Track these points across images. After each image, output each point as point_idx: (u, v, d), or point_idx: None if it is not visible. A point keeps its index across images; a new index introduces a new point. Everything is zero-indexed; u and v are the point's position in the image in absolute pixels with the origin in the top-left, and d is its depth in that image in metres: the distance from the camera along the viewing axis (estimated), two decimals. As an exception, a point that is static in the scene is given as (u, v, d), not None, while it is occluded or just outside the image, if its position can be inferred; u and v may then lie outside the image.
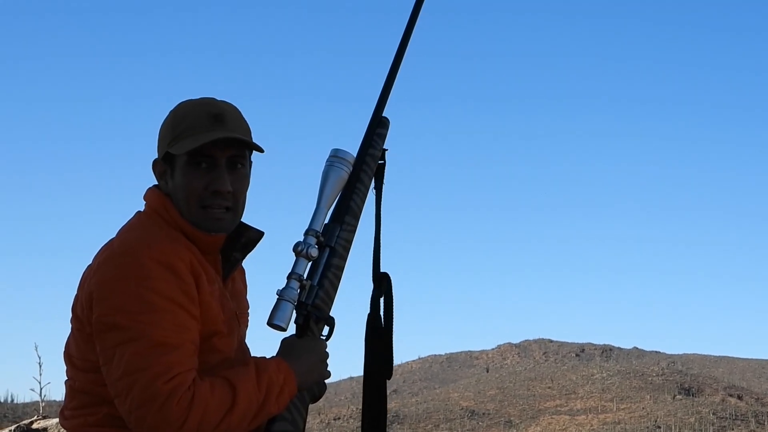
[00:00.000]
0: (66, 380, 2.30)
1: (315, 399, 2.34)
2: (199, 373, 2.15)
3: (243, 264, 2.46)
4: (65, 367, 2.31)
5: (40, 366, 16.55)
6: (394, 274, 2.50)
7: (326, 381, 2.40)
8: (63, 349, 2.31)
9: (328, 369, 2.36)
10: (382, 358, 2.50)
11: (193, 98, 2.35)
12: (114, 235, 2.29)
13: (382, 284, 2.50)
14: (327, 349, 2.36)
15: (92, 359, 2.19)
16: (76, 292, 2.26)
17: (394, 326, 2.50)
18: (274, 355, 2.32)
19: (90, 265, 2.27)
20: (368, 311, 2.51)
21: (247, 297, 2.50)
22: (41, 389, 16.45)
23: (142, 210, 2.33)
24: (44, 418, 12.45)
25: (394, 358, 2.54)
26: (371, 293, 2.51)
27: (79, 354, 2.24)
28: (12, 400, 24.17)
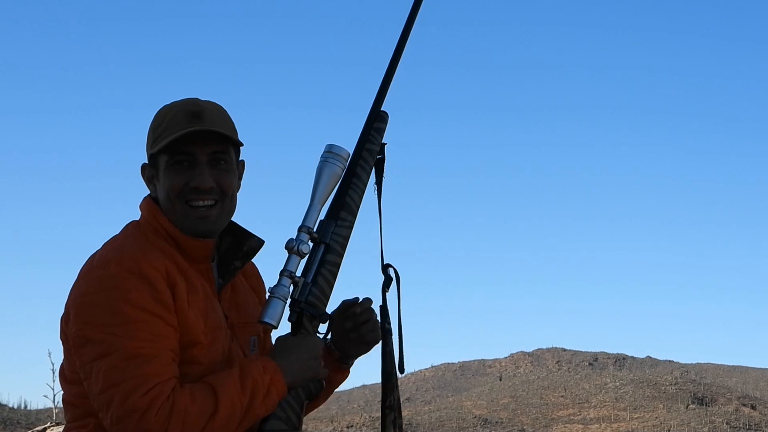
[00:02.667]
0: (62, 394, 2.29)
1: (311, 397, 2.29)
2: (180, 381, 2.12)
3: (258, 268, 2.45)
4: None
5: (54, 373, 16.60)
6: (406, 282, 2.45)
7: (332, 383, 2.38)
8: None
9: (324, 367, 2.30)
10: (392, 351, 2.43)
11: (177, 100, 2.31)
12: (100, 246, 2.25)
13: (386, 277, 2.44)
14: (322, 347, 2.30)
15: (77, 371, 2.17)
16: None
17: (402, 319, 2.43)
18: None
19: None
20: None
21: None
22: (54, 396, 16.48)
23: (137, 219, 2.30)
24: (57, 424, 12.44)
25: (408, 359, 2.43)
26: (381, 288, 2.45)
27: (67, 366, 2.23)
28: (25, 407, 24.25)
